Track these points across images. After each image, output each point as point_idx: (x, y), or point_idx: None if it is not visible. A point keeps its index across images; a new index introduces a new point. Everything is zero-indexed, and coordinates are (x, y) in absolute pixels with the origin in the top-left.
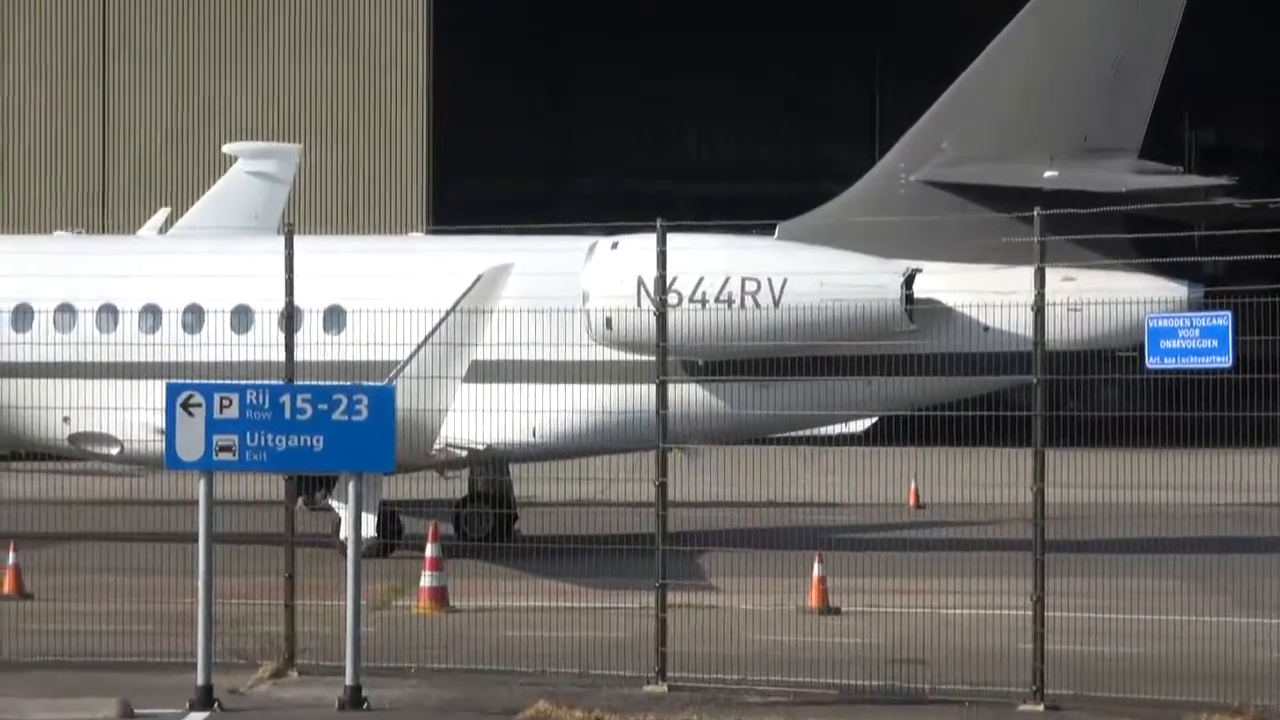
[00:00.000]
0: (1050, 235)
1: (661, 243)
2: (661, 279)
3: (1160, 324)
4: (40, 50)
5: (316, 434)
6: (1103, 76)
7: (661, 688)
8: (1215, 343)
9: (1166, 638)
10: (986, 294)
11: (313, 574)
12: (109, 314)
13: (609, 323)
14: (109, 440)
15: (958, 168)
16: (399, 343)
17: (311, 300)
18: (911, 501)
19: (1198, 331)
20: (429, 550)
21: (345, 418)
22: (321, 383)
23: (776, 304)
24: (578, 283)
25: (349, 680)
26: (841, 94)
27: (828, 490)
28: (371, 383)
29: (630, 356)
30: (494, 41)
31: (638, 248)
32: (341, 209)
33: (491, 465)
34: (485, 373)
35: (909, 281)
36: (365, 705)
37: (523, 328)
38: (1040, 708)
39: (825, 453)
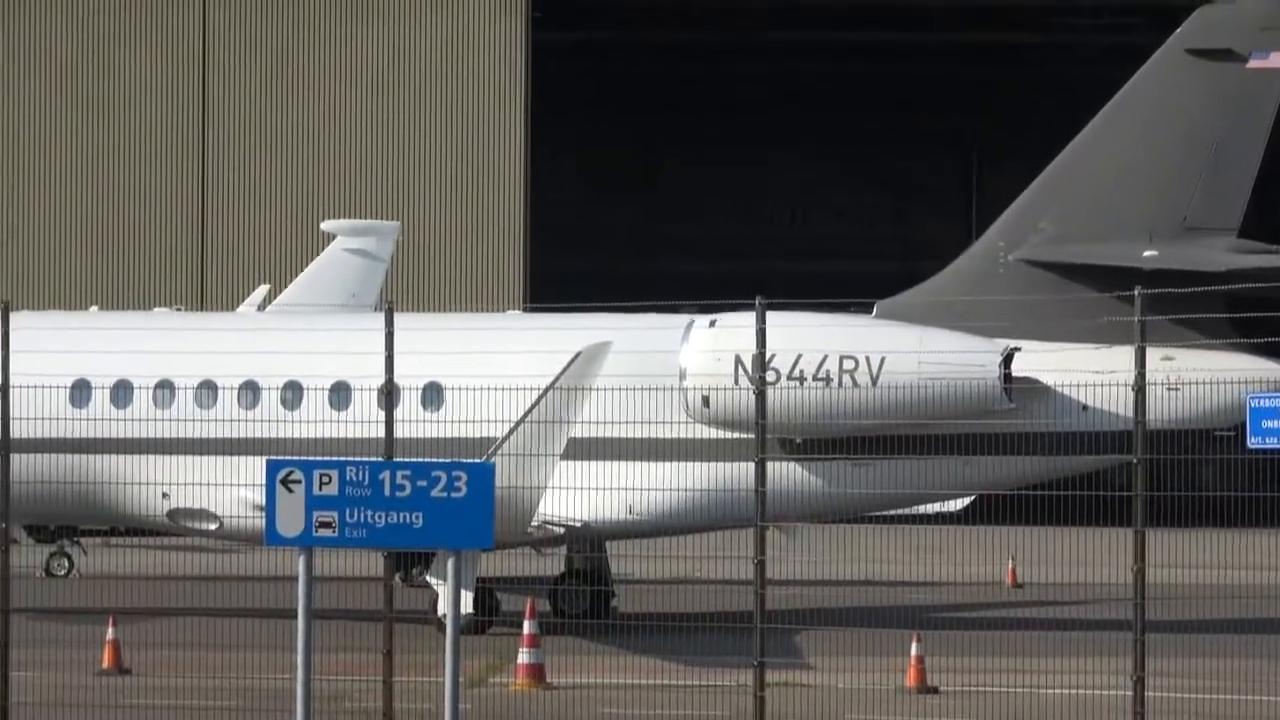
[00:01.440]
0: (1150, 315)
1: (760, 320)
2: (760, 357)
3: (1262, 404)
4: (141, 128)
5: (415, 510)
6: (1202, 156)
7: None
8: None
9: (1268, 719)
10: (1085, 373)
11: (410, 650)
12: (208, 390)
13: (706, 400)
14: (208, 516)
15: (1057, 247)
16: (497, 420)
17: (410, 377)
18: (1010, 580)
19: None
20: (526, 627)
21: (444, 494)
22: (420, 459)
23: (875, 382)
24: (675, 360)
25: None
26: (939, 172)
27: (926, 569)
28: (470, 459)
29: (728, 434)
30: (590, 120)
31: (735, 326)
32: (439, 286)
33: (589, 542)
34: (583, 450)
35: (1008, 360)
36: None
37: (620, 405)
38: None
39: (923, 531)
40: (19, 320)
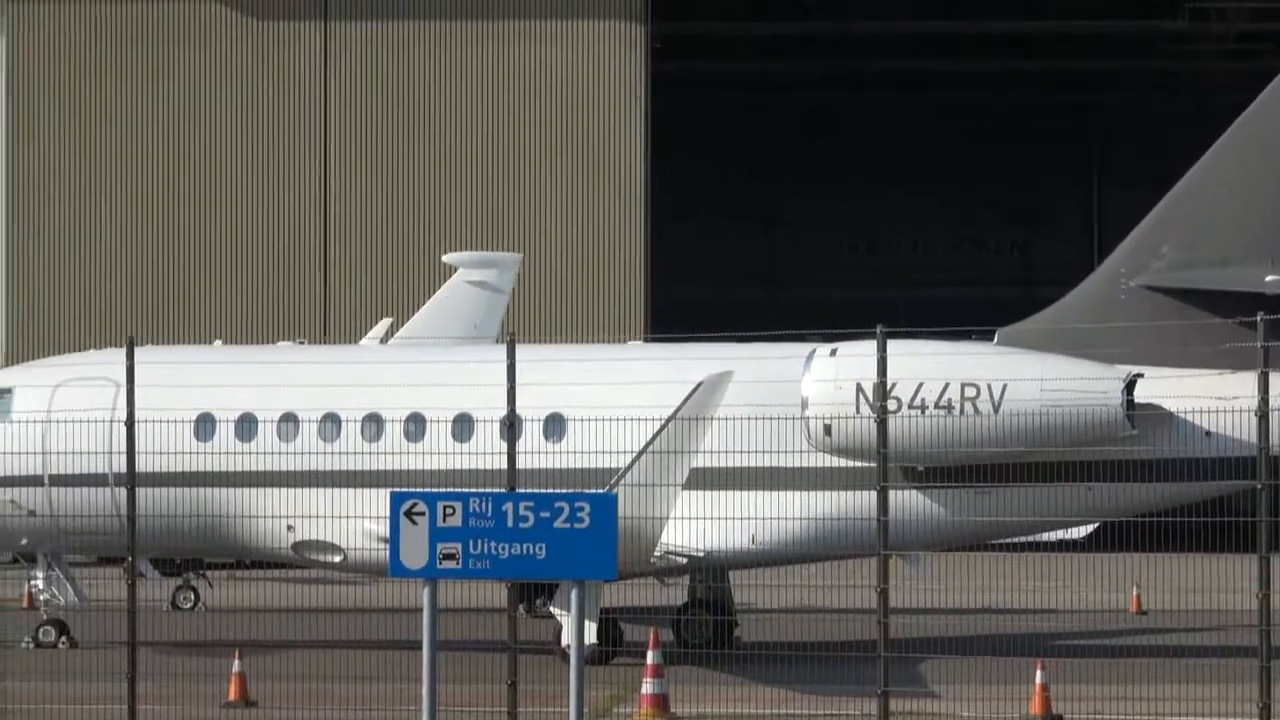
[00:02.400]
0: (1273, 340)
1: (881, 349)
2: (882, 385)
3: None
4: (264, 163)
5: (539, 542)
6: None
7: None
8: None
9: None
10: (1208, 399)
11: (535, 681)
12: (332, 423)
13: (828, 429)
14: (332, 548)
15: (1178, 272)
16: (619, 450)
17: (532, 408)
18: (1134, 607)
19: None
20: (650, 657)
21: (567, 525)
22: (543, 490)
23: (996, 409)
24: (797, 390)
25: None
26: (1062, 199)
27: (1049, 596)
28: (593, 490)
29: (850, 463)
30: (709, 150)
31: (856, 354)
32: (560, 317)
33: (711, 572)
34: (705, 480)
35: (1130, 387)
36: None
37: (742, 435)
38: None
39: (1046, 558)
40: (144, 355)
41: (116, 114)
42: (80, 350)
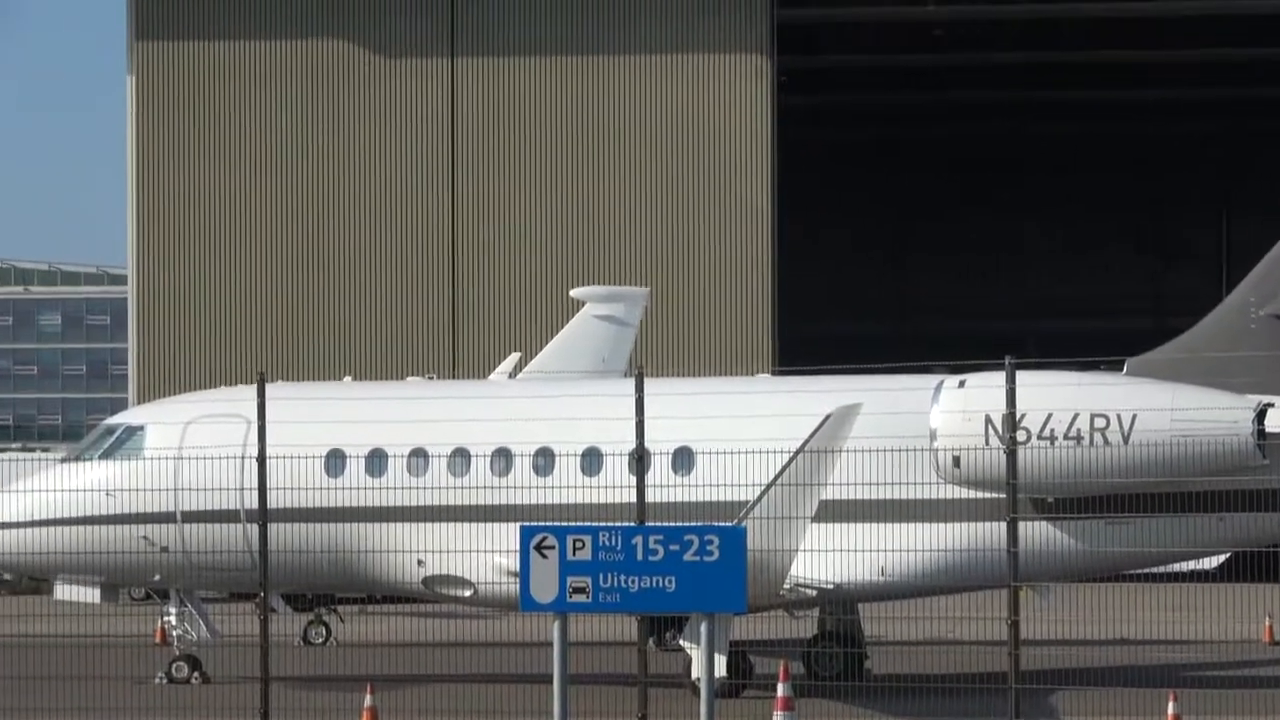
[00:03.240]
0: None
1: (1010, 380)
2: (1011, 416)
3: None
4: (392, 199)
5: (669, 575)
6: None
7: None
8: None
9: None
10: None
11: (665, 714)
12: (461, 458)
13: (957, 461)
14: (462, 583)
15: None
16: (748, 483)
17: (661, 441)
18: (1266, 638)
19: None
20: (780, 690)
21: (697, 558)
22: (672, 524)
23: (1126, 440)
24: (925, 421)
25: None
26: (1190, 229)
27: (1180, 627)
28: (722, 523)
29: (979, 494)
30: (836, 183)
31: (985, 386)
32: (688, 351)
33: (841, 604)
34: (834, 512)
35: (1260, 416)
36: None
37: (871, 466)
38: None
39: (1177, 589)
40: (275, 391)
41: (244, 153)
42: (210, 387)
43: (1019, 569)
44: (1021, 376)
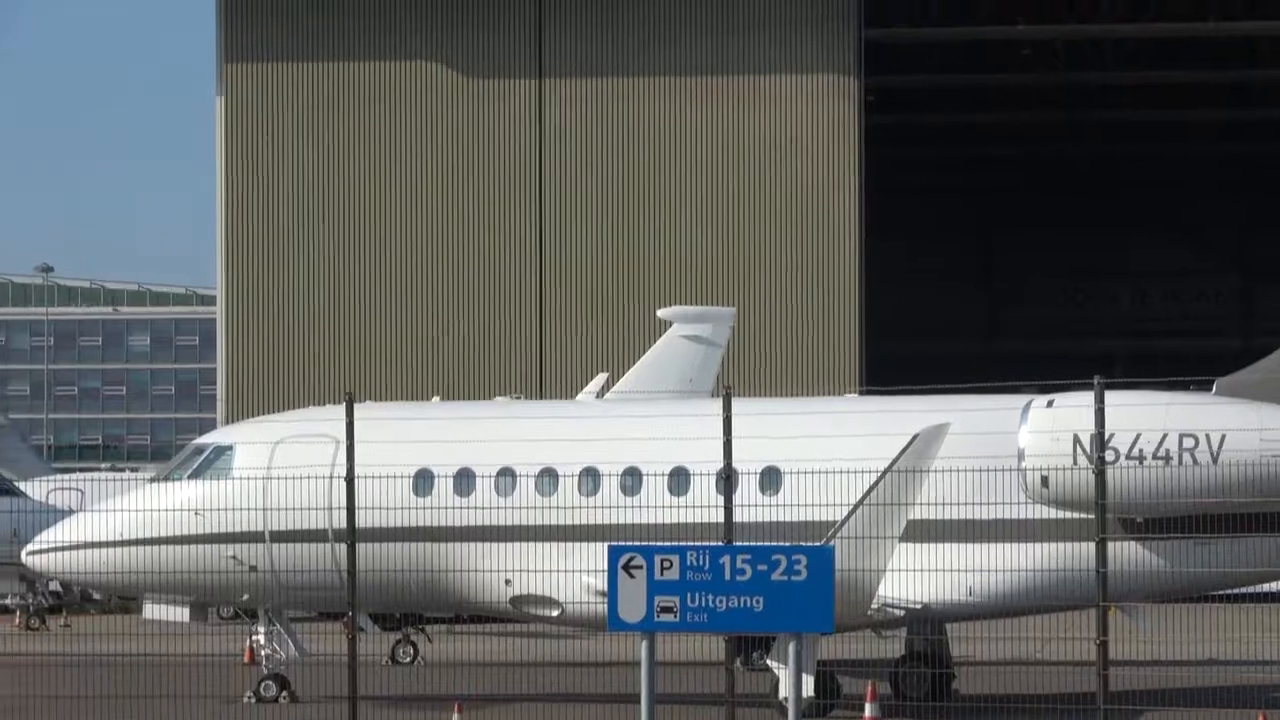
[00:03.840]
0: None
1: (1099, 400)
2: (1099, 436)
3: None
4: (479, 219)
5: (756, 594)
6: None
7: None
8: None
9: None
10: None
11: None
12: (549, 477)
13: (1045, 481)
14: (550, 602)
15: None
16: (836, 503)
17: (748, 461)
18: None
19: None
20: (868, 710)
21: (784, 578)
22: (760, 544)
23: (1215, 460)
24: (1013, 441)
25: None
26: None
27: (1270, 647)
28: (809, 543)
29: (1068, 514)
30: (924, 201)
31: (1073, 405)
32: (775, 371)
33: (929, 624)
34: (922, 532)
35: None
36: None
37: (959, 486)
38: None
39: (1267, 609)
40: (363, 411)
41: (332, 174)
42: (299, 407)
43: (1108, 589)
44: (1110, 396)
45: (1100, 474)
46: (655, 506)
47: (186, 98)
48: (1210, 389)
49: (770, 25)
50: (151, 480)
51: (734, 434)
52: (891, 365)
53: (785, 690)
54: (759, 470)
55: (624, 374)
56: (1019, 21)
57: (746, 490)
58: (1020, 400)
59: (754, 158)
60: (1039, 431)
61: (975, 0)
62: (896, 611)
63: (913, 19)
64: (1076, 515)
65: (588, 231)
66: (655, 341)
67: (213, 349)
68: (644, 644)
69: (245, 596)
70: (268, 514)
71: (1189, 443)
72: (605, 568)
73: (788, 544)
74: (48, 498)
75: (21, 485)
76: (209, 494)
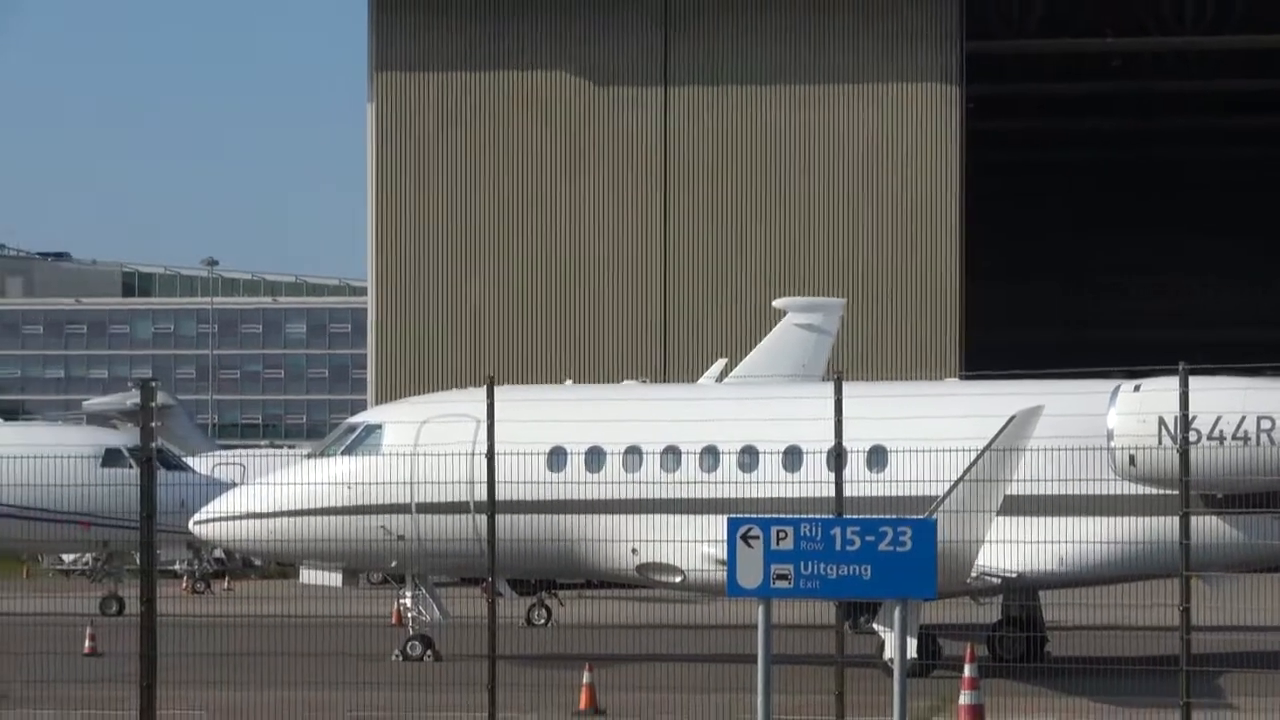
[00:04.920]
0: None
1: (1183, 385)
2: (1183, 418)
3: None
4: (608, 216)
5: (864, 563)
6: None
7: None
8: None
9: None
10: None
11: (859, 692)
12: (672, 455)
13: (1132, 459)
14: (673, 570)
15: None
16: (938, 479)
17: (856, 440)
18: None
19: None
20: (966, 670)
21: (890, 548)
22: (868, 516)
23: None
24: (1103, 423)
25: None
26: None
27: None
28: (913, 516)
29: (1152, 490)
30: (1018, 202)
31: (1159, 390)
32: (881, 357)
33: (1023, 591)
34: (1017, 506)
35: None
36: None
37: (1052, 464)
38: None
39: None
40: (502, 394)
41: (473, 174)
42: (442, 389)
43: (1190, 560)
44: (1193, 382)
45: (1184, 453)
46: (770, 482)
47: (340, 105)
48: None
49: (880, 37)
50: (307, 456)
51: (844, 415)
52: (988, 353)
53: (890, 651)
54: (867, 449)
55: (742, 360)
56: (1108, 35)
57: (855, 467)
58: (1109, 385)
59: (863, 160)
60: (1127, 414)
61: (1068, 15)
62: (993, 579)
63: (1010, 33)
64: (1161, 491)
65: (709, 228)
66: (771, 330)
67: (363, 336)
68: (760, 609)
69: (393, 563)
70: (414, 487)
71: (1265, 424)
72: (725, 538)
73: (893, 517)
74: (212, 472)
75: (188, 460)
76: (360, 469)
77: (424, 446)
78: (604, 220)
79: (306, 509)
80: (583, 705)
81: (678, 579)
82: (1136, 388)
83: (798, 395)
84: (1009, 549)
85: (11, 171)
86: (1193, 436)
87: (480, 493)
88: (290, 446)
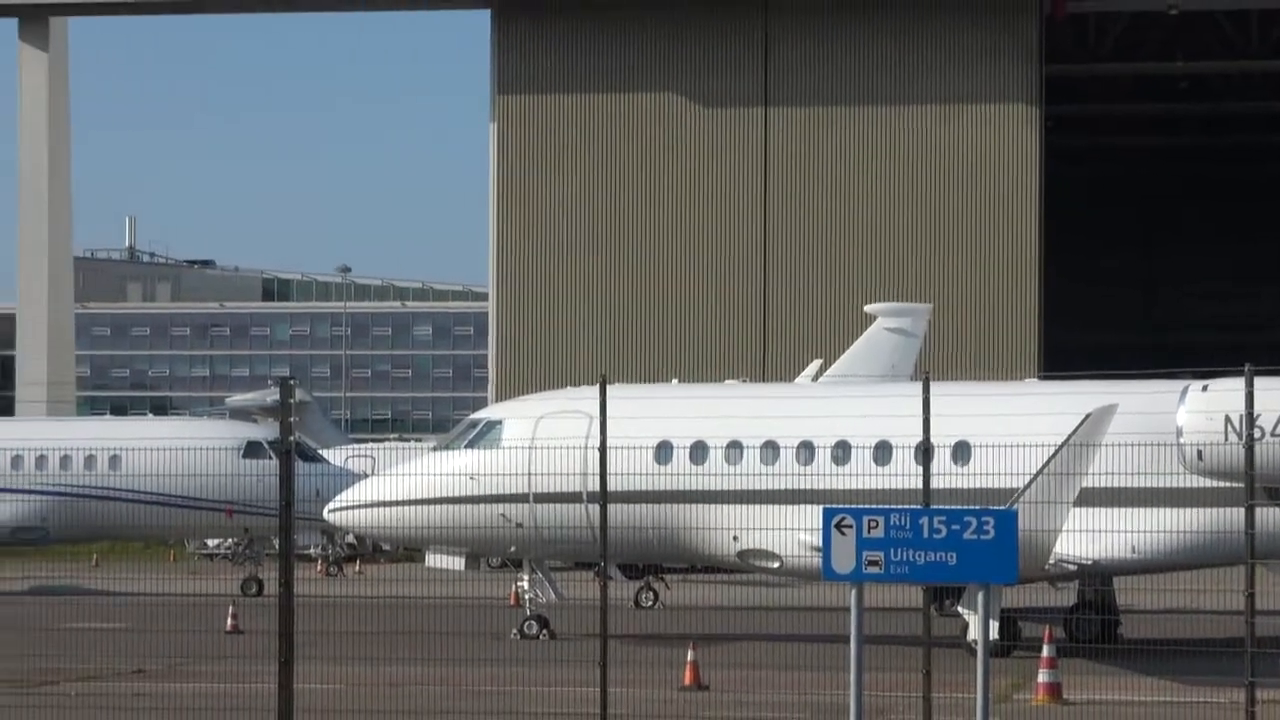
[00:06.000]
0: None
1: (1249, 385)
2: (1248, 416)
3: None
4: (712, 227)
5: (950, 550)
6: None
7: None
8: None
9: None
10: None
11: (945, 670)
12: (771, 449)
13: (1200, 454)
14: (771, 556)
15: None
16: (1018, 473)
17: (942, 436)
18: None
19: None
20: (1045, 650)
21: (975, 537)
22: (953, 507)
23: None
24: (1173, 420)
25: None
26: None
27: None
28: (996, 507)
29: (1219, 483)
30: (1094, 214)
31: (1226, 389)
32: (965, 358)
33: (1098, 577)
34: (1093, 498)
35: None
36: None
37: (1125, 459)
38: None
39: None
40: (613, 391)
41: (587, 189)
42: (558, 388)
43: (1255, 548)
44: (1258, 382)
45: (1249, 448)
46: (862, 474)
47: (464, 124)
48: None
49: (965, 60)
50: (433, 449)
51: (931, 412)
52: (1065, 355)
53: (974, 633)
54: (952, 444)
55: (835, 361)
56: (1179, 59)
57: (941, 461)
58: (1178, 385)
59: (949, 174)
60: (1195, 412)
61: (1141, 40)
62: (1070, 566)
63: (1086, 56)
64: (1227, 484)
65: (804, 238)
66: (862, 333)
67: (485, 338)
68: (853, 592)
69: (512, 549)
70: (532, 478)
71: None
72: (820, 526)
73: (977, 507)
74: (345, 463)
75: (323, 453)
76: (482, 461)
77: (541, 441)
78: (707, 230)
79: (432, 498)
80: (687, 681)
81: (775, 564)
82: (1204, 388)
83: (887, 394)
84: (1085, 538)
85: (162, 186)
86: (1257, 433)
87: (593, 484)
88: (417, 440)
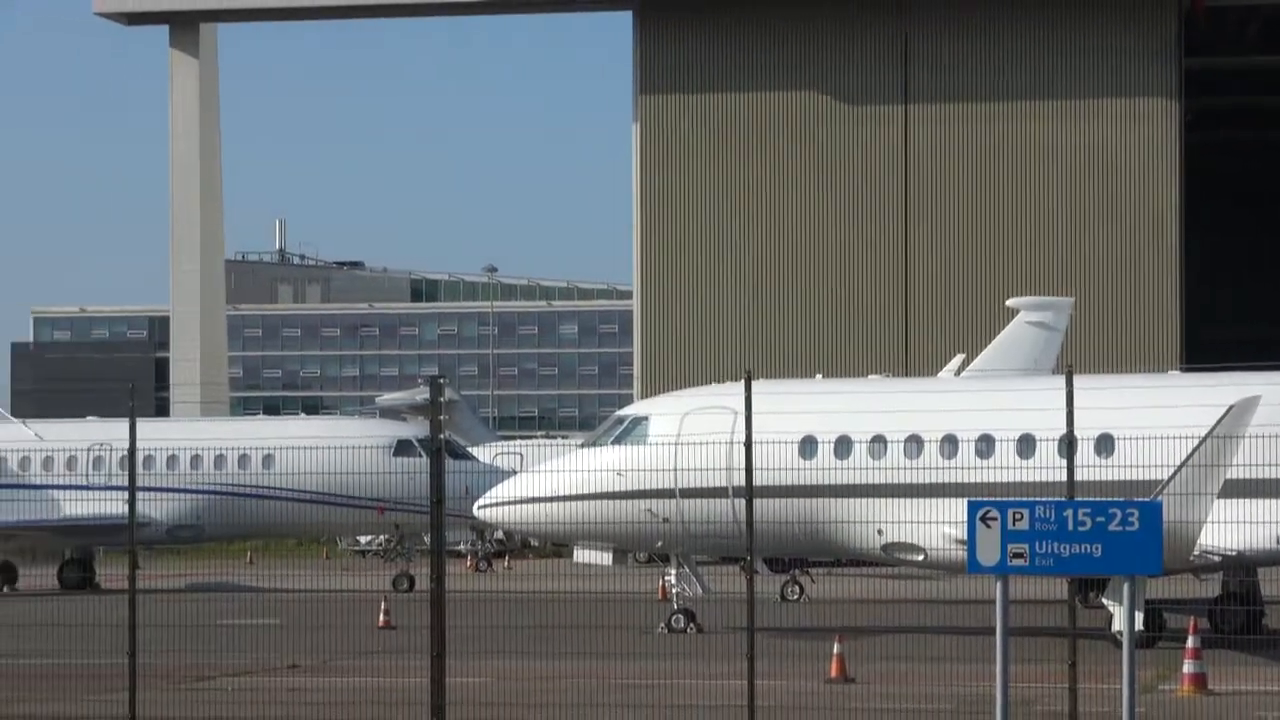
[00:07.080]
0: None
1: None
2: None
3: None
4: (855, 224)
5: (1095, 543)
6: None
7: None
8: None
9: None
10: None
11: (1090, 662)
12: (914, 443)
13: None
14: (915, 549)
15: None
16: (1161, 464)
17: (1085, 429)
18: None
19: None
20: (1190, 641)
21: (1119, 529)
22: (1097, 499)
23: None
24: None
25: None
26: None
27: None
28: (1140, 499)
29: None
30: (1234, 207)
31: None
32: (1107, 352)
33: (1242, 568)
34: (1237, 489)
35: None
36: None
37: (1269, 450)
38: None
39: None
40: (758, 388)
41: (729, 185)
42: (702, 385)
43: None
44: None
45: None
46: (1006, 467)
47: (607, 125)
48: None
49: (1104, 54)
50: (580, 446)
51: (1074, 406)
52: (1207, 347)
53: (1119, 624)
54: (1095, 436)
55: (978, 355)
56: None
57: (1085, 453)
58: None
59: (1089, 168)
60: None
61: None
62: (1214, 557)
63: (1227, 49)
64: None
65: (946, 233)
66: (1005, 327)
67: (630, 336)
68: (998, 585)
69: (659, 544)
70: (678, 474)
71: None
72: (965, 519)
73: (1121, 499)
74: (493, 461)
75: (472, 450)
76: (628, 457)
77: (686, 436)
78: (849, 226)
79: (580, 494)
80: (834, 674)
81: (920, 557)
82: None
83: (1030, 387)
84: (1229, 529)
85: (311, 188)
86: None
87: (738, 479)
88: (564, 437)
